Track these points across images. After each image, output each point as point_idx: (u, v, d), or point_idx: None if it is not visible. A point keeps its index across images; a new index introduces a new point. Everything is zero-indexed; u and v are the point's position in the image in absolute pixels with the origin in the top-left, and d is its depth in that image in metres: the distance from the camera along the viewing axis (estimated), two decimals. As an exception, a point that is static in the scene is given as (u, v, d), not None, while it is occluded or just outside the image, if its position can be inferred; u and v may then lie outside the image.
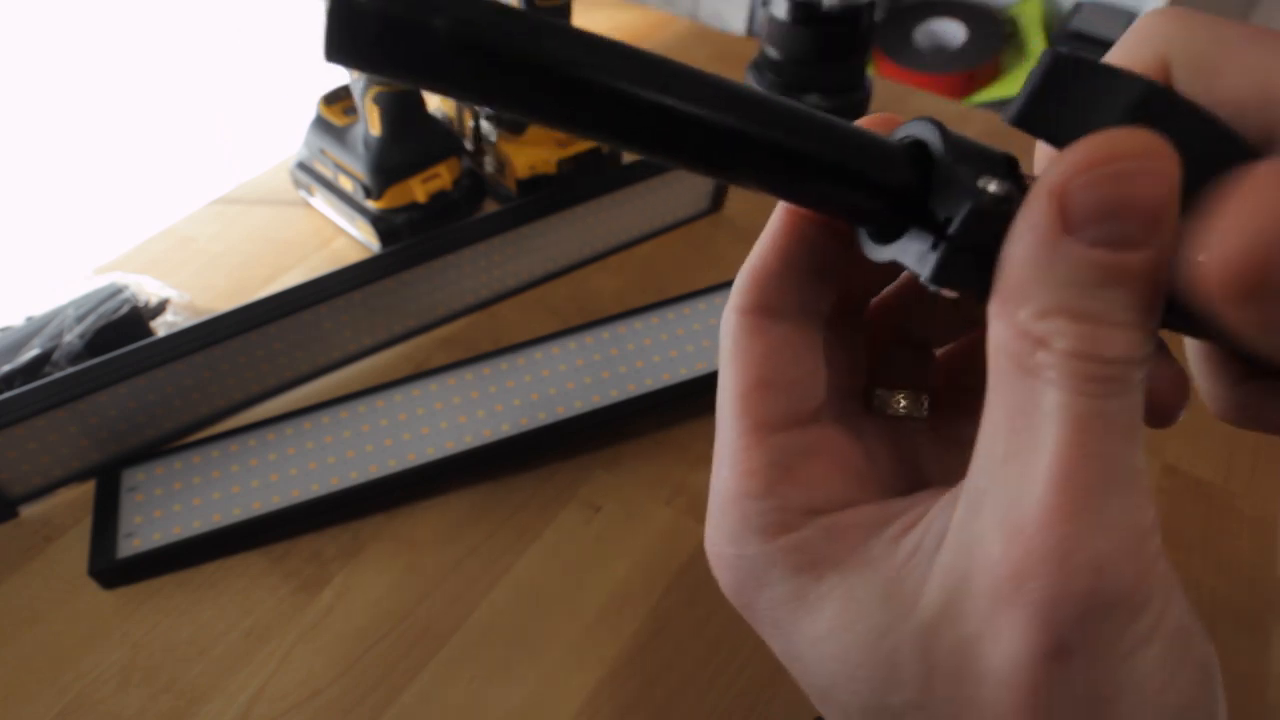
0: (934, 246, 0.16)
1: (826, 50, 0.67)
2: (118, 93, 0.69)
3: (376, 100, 0.53)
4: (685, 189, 0.61)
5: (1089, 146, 0.14)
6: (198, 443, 0.46)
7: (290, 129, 0.65)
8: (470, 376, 0.48)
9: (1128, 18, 1.48)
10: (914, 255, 0.17)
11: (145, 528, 0.42)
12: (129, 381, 0.43)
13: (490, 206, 0.63)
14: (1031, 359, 0.15)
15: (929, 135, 0.17)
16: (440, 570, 0.43)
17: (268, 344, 0.47)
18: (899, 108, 0.77)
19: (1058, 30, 1.63)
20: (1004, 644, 0.15)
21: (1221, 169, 0.15)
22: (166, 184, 0.72)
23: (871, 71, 0.73)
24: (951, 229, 0.16)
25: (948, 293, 0.17)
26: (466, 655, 0.40)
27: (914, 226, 0.17)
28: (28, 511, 0.45)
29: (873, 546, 0.17)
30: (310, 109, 0.61)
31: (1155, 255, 0.14)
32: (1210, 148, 0.16)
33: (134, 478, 0.45)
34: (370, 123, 0.55)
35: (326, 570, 0.43)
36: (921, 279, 0.16)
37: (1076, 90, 0.16)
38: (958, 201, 0.16)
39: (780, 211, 0.19)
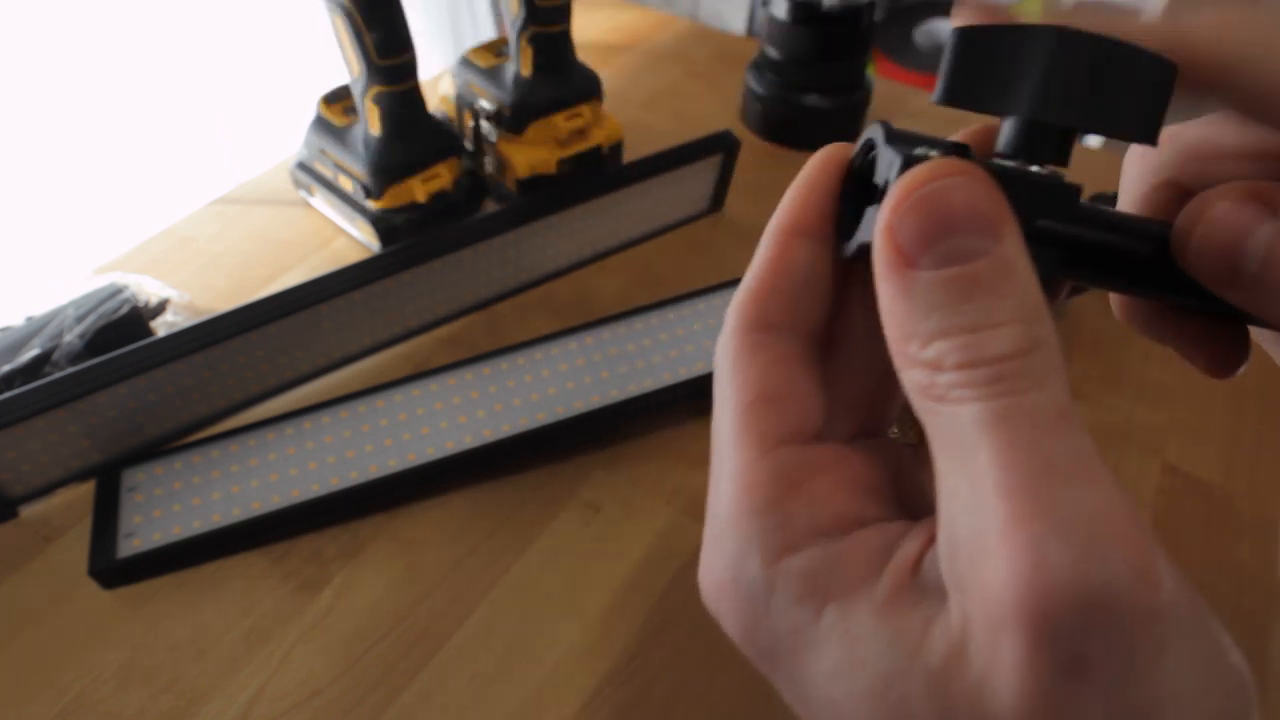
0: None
1: (826, 50, 0.67)
2: (117, 92, 0.69)
3: (377, 100, 0.53)
4: (685, 189, 0.61)
5: (898, 186, 0.16)
6: (198, 443, 0.46)
7: (290, 129, 0.65)
8: (470, 376, 0.48)
9: (1128, 18, 1.48)
10: (868, 227, 0.18)
11: (145, 528, 0.42)
12: (129, 381, 0.43)
13: (490, 206, 0.63)
14: (937, 387, 0.15)
15: (876, 133, 0.18)
16: (440, 570, 0.43)
17: (268, 344, 0.47)
18: (899, 107, 0.77)
19: (1058, 30, 1.63)
20: (1012, 676, 0.14)
21: (1144, 85, 0.17)
22: (166, 184, 0.71)
23: (871, 71, 0.73)
24: (888, 185, 0.17)
25: None
26: (466, 655, 0.40)
27: (868, 206, 0.18)
28: (28, 511, 0.45)
29: (876, 585, 0.16)
30: (310, 109, 0.61)
31: (1002, 254, 0.15)
32: (1132, 70, 0.17)
33: (134, 478, 0.45)
34: (370, 123, 0.55)
35: (326, 570, 0.43)
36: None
37: (994, 56, 0.17)
38: (890, 164, 0.17)
39: (773, 231, 0.20)
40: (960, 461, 0.15)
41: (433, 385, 0.47)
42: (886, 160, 0.17)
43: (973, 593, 0.14)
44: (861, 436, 0.20)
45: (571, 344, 0.49)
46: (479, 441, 0.45)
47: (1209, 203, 0.18)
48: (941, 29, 1.71)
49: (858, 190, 0.19)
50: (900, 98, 0.79)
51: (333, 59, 0.54)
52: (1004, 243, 0.15)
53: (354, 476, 0.44)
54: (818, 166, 0.20)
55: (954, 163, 0.16)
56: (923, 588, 0.16)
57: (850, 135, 0.72)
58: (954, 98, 0.18)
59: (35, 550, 0.44)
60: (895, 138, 0.18)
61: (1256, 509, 0.46)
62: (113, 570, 0.41)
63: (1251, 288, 0.18)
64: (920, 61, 1.68)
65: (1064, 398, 0.15)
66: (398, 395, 0.47)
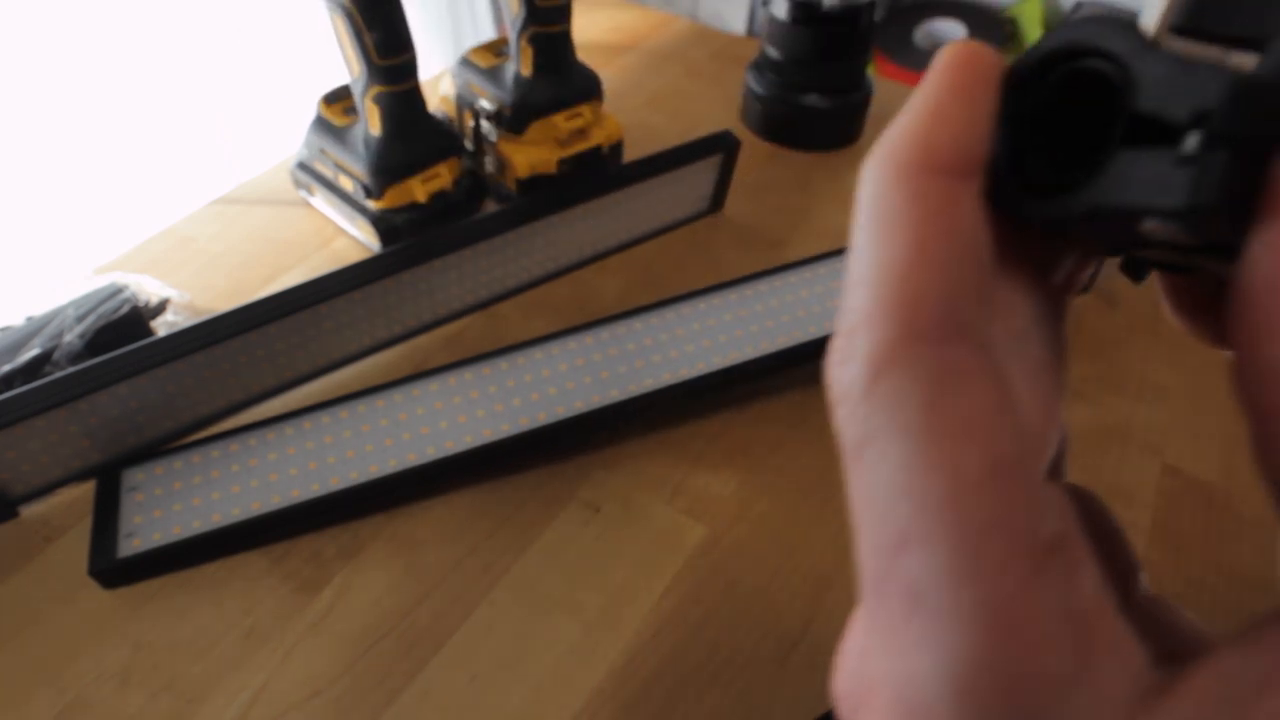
0: (1185, 161, 0.12)
1: (827, 50, 0.67)
2: (117, 92, 0.69)
3: (377, 100, 0.53)
4: (685, 189, 0.61)
5: None
6: (198, 443, 0.46)
7: (290, 129, 0.65)
8: (470, 376, 0.48)
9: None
10: (1145, 186, 0.12)
11: (145, 528, 0.42)
12: (129, 381, 0.43)
13: (490, 206, 0.63)
14: None
15: (1114, 32, 0.13)
16: (440, 570, 0.43)
17: (268, 344, 0.47)
18: (900, 107, 0.77)
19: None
20: None
21: None
22: (166, 184, 0.71)
23: (872, 71, 0.73)
24: (1217, 124, 0.11)
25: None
26: (466, 655, 0.40)
27: (1120, 150, 0.13)
28: (28, 512, 0.45)
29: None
30: (310, 109, 0.61)
31: None
32: None
33: (134, 478, 0.45)
34: (370, 122, 0.55)
35: (326, 570, 0.43)
36: (1167, 214, 0.12)
37: None
38: (1204, 85, 0.12)
39: (905, 175, 0.13)
40: None
41: (433, 385, 0.47)
42: (1190, 83, 0.12)
43: None
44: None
45: (571, 344, 0.49)
46: (479, 441, 0.45)
47: None
48: (941, 29, 1.71)
49: (1039, 117, 0.14)
50: (902, 98, 0.79)
51: (333, 59, 0.54)
52: None
53: (354, 476, 0.44)
54: (963, 68, 0.14)
55: None
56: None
57: (850, 135, 0.72)
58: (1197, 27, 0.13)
59: (36, 550, 0.44)
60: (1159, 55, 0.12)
61: (1256, 509, 0.46)
62: (113, 570, 0.41)
63: None
64: (920, 61, 1.68)
65: None
66: (398, 395, 0.47)
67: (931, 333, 0.12)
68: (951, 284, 0.12)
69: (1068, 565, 0.11)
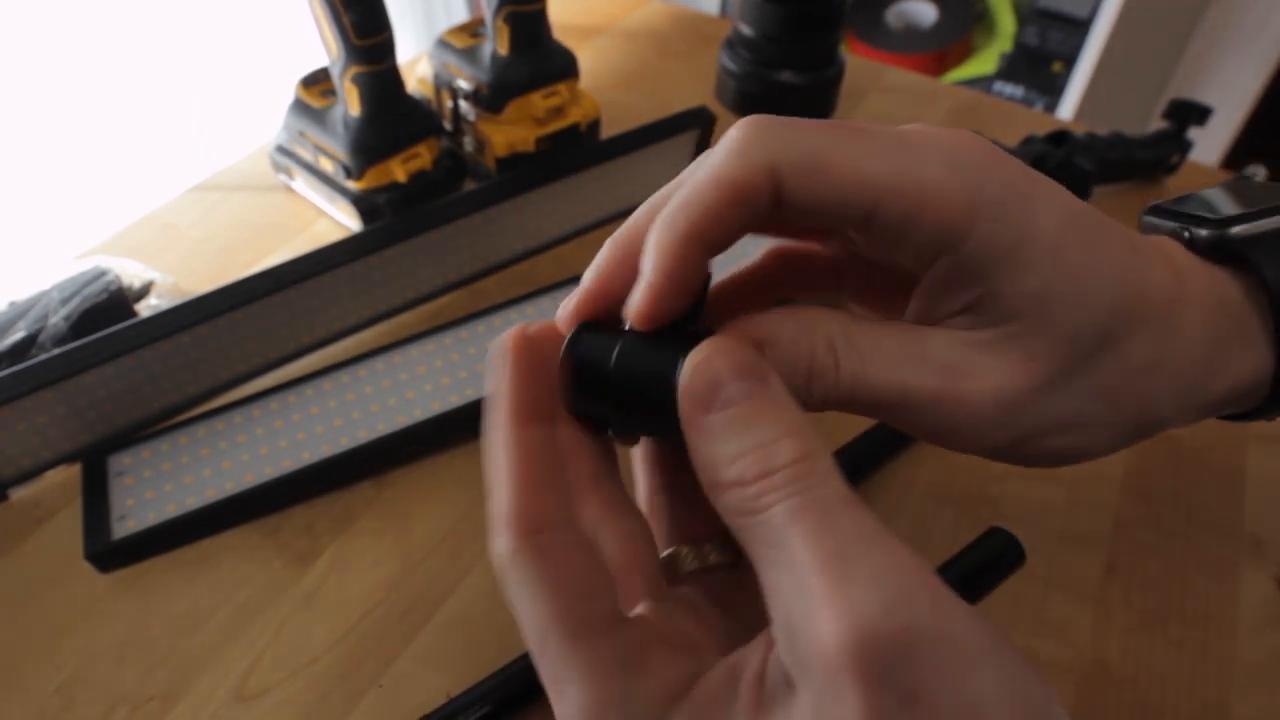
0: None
1: (800, 26, 0.68)
2: (92, 79, 0.69)
3: (356, 81, 0.54)
4: (663, 165, 0.61)
5: (699, 355, 0.20)
6: (185, 423, 0.46)
7: (267, 114, 0.65)
8: (449, 341, 0.49)
9: (1095, -5, 1.50)
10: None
11: (138, 509, 0.43)
12: (116, 362, 0.43)
13: (470, 186, 0.64)
14: (745, 501, 0.18)
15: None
16: (431, 538, 0.44)
17: (253, 323, 0.48)
18: (872, 84, 0.78)
19: (1028, 9, 1.65)
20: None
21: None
22: (144, 171, 0.71)
23: (844, 51, 0.74)
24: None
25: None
26: (461, 619, 0.41)
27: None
28: (18, 494, 0.46)
29: (735, 709, 0.18)
30: (286, 93, 0.61)
31: (758, 397, 0.19)
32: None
33: (121, 462, 0.45)
34: (350, 103, 0.55)
35: (319, 543, 0.43)
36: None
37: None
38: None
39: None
40: (778, 556, 0.17)
41: (413, 351, 0.48)
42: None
43: (812, 661, 0.16)
44: (657, 580, 0.22)
45: (545, 303, 0.50)
46: (464, 400, 0.46)
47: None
48: (912, 9, 1.72)
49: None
50: (873, 74, 0.80)
51: (308, 43, 0.54)
52: (757, 386, 0.19)
53: (344, 443, 0.44)
54: (520, 352, 0.22)
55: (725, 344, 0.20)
56: (774, 689, 0.18)
57: (824, 110, 0.73)
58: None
59: (27, 532, 0.44)
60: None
61: (1225, 461, 0.48)
62: (109, 552, 0.41)
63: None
64: (891, 42, 1.70)
65: (845, 489, 0.18)
66: (379, 364, 0.48)
67: (524, 541, 0.20)
68: (539, 501, 0.20)
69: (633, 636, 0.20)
